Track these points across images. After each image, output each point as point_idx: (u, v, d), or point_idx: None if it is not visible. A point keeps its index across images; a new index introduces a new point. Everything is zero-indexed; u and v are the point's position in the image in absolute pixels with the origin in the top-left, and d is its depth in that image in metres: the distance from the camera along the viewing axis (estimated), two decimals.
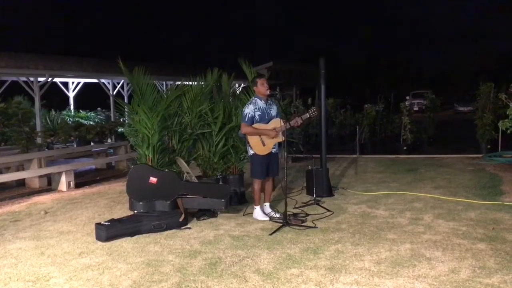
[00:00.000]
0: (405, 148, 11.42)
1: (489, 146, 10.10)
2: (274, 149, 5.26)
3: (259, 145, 5.18)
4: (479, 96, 10.55)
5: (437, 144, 12.48)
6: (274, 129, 5.13)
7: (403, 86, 41.36)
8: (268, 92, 5.17)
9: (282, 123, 5.12)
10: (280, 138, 5.18)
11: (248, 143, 5.24)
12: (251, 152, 5.25)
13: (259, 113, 5.18)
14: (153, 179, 5.20)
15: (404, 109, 12.03)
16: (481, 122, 10.17)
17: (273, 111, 5.27)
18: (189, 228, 5.02)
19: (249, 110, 5.18)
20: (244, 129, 5.18)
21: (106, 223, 4.77)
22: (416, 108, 25.56)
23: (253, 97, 5.39)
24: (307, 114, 5.21)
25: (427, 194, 6.25)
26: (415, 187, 6.78)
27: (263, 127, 5.16)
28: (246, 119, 5.15)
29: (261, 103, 5.22)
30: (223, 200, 5.26)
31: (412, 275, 3.51)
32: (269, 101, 5.29)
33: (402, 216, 5.22)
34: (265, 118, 5.20)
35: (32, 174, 8.09)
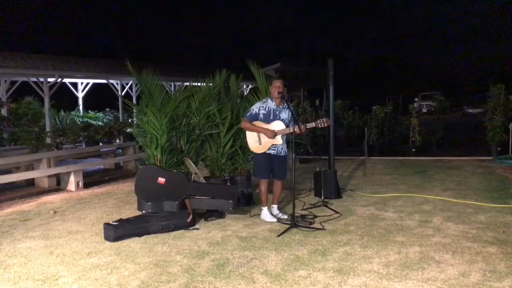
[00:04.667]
0: (413, 150, 11.36)
1: (499, 149, 10.01)
2: (274, 151, 5.23)
3: (255, 142, 5.20)
4: (489, 98, 10.46)
5: (446, 146, 12.40)
6: (273, 130, 5.12)
7: (411, 87, 41.14)
8: (276, 94, 5.17)
9: (285, 127, 5.11)
10: (278, 141, 5.16)
11: (246, 138, 5.27)
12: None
13: (263, 112, 5.19)
14: (161, 180, 5.21)
15: (412, 111, 11.96)
16: (491, 124, 10.09)
17: (284, 114, 5.23)
18: (197, 228, 5.03)
19: (254, 107, 5.26)
20: (243, 123, 5.27)
21: (115, 223, 4.79)
22: (424, 110, 25.37)
23: (267, 97, 5.43)
24: (313, 123, 5.13)
25: (436, 197, 6.20)
26: (424, 189, 6.73)
27: (262, 125, 5.16)
28: (248, 114, 5.23)
29: (271, 104, 5.23)
30: (230, 201, 5.26)
31: (421, 278, 3.48)
32: (283, 104, 5.27)
33: (411, 218, 5.19)
34: (270, 118, 5.19)
35: (41, 174, 8.15)
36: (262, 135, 5.16)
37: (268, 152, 5.21)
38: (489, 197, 6.08)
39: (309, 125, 5.13)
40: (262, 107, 5.21)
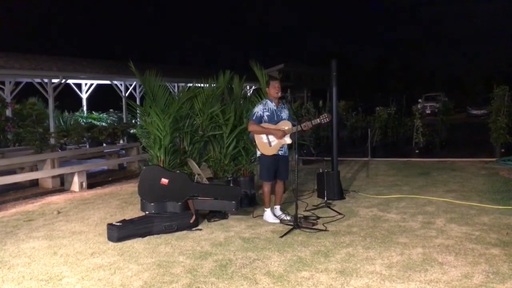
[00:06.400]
0: (417, 151, 11.33)
1: (503, 150, 9.97)
2: (282, 151, 5.25)
3: (265, 145, 5.20)
4: (493, 99, 10.42)
5: (450, 148, 12.35)
6: (282, 130, 5.13)
7: (415, 88, 41.06)
8: (278, 95, 5.20)
9: (292, 126, 5.13)
10: (288, 141, 5.18)
11: (255, 142, 5.28)
12: (258, 153, 5.29)
13: (268, 113, 5.21)
14: (164, 180, 5.22)
15: (416, 112, 11.93)
16: (495, 125, 10.05)
17: (284, 114, 5.28)
18: (200, 229, 5.04)
19: (258, 109, 5.24)
20: (251, 126, 5.24)
21: (118, 224, 4.81)
22: (428, 111, 25.32)
23: (264, 99, 5.45)
24: (318, 119, 5.21)
25: (440, 198, 6.19)
26: (427, 191, 6.71)
27: (271, 127, 5.17)
28: (254, 117, 5.22)
29: (271, 105, 5.25)
30: (233, 202, 5.27)
31: (424, 280, 3.48)
32: (281, 104, 5.31)
33: (414, 220, 5.18)
34: (274, 119, 5.21)
35: (45, 174, 8.19)
36: (271, 137, 5.17)
37: (276, 153, 5.22)
38: (493, 198, 6.06)
39: (314, 122, 5.19)
40: (265, 109, 5.23)
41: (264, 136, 5.19)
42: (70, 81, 16.01)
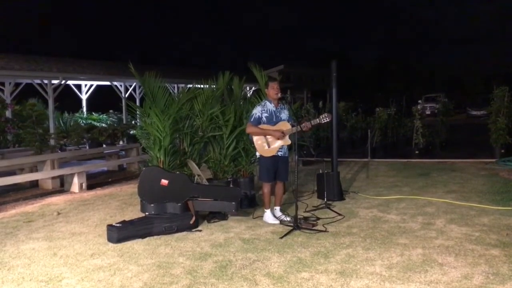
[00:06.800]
0: (417, 152, 11.33)
1: (503, 151, 9.97)
2: (281, 152, 5.25)
3: (264, 146, 5.19)
4: (493, 100, 10.42)
5: (450, 148, 12.35)
6: (281, 130, 5.13)
7: (415, 89, 41.11)
8: (277, 96, 5.19)
9: (290, 127, 5.12)
10: (287, 141, 5.18)
11: (253, 143, 5.27)
12: (258, 154, 5.29)
13: (266, 114, 5.20)
14: (164, 181, 5.22)
15: (416, 113, 11.93)
16: (495, 126, 10.05)
17: (284, 114, 5.27)
18: (200, 230, 5.04)
19: (256, 110, 5.24)
20: (249, 128, 5.24)
21: (118, 225, 4.80)
22: (428, 112, 25.31)
23: (264, 99, 5.44)
24: (317, 119, 5.18)
25: (439, 199, 6.19)
26: (427, 192, 6.71)
27: (270, 128, 5.17)
28: (252, 119, 5.22)
29: (270, 106, 5.24)
30: (233, 203, 5.27)
31: (424, 281, 3.48)
32: (280, 104, 5.30)
33: (414, 220, 5.18)
34: (273, 120, 5.21)
35: (45, 175, 8.19)
36: (270, 138, 5.17)
37: (276, 154, 5.22)
38: (493, 199, 6.06)
39: (314, 122, 5.16)
40: (263, 110, 5.22)
41: (262, 138, 5.19)
42: (70, 82, 16.01)
